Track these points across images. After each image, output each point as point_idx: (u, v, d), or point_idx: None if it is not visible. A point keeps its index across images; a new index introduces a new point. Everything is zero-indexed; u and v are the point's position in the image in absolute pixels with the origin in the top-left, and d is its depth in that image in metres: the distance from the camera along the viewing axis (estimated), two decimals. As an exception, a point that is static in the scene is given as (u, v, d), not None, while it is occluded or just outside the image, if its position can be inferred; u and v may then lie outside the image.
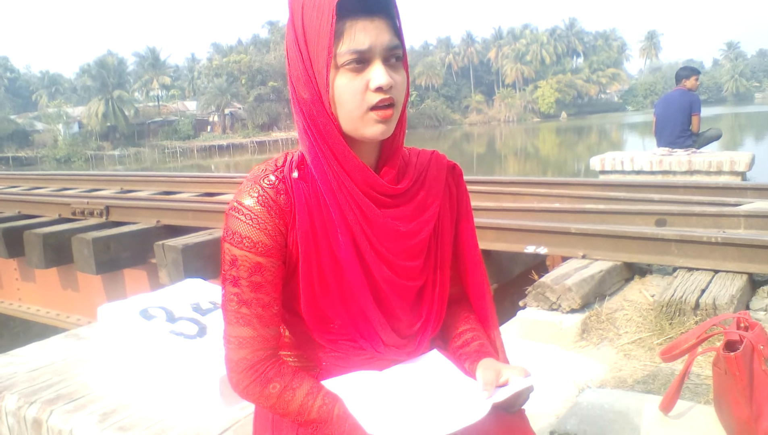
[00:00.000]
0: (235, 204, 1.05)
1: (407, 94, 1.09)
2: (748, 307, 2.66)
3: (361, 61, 1.00)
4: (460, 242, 1.26)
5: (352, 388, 1.11)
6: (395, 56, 1.03)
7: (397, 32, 1.04)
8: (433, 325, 1.22)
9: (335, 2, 0.96)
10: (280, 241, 1.06)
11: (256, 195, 1.05)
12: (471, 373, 1.16)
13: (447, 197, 1.22)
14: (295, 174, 1.08)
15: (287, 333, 1.20)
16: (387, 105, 1.02)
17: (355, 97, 1.01)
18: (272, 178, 1.07)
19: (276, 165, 1.10)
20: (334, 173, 1.06)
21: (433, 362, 1.21)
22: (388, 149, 1.12)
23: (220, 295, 1.10)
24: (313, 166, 1.07)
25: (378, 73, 1.00)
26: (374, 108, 1.01)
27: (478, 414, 1.02)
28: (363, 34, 0.99)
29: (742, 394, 1.42)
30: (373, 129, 1.03)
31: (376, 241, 1.10)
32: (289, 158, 1.11)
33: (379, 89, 1.00)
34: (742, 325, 1.53)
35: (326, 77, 1.00)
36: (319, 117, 1.04)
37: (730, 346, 1.50)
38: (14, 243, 4.96)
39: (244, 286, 1.06)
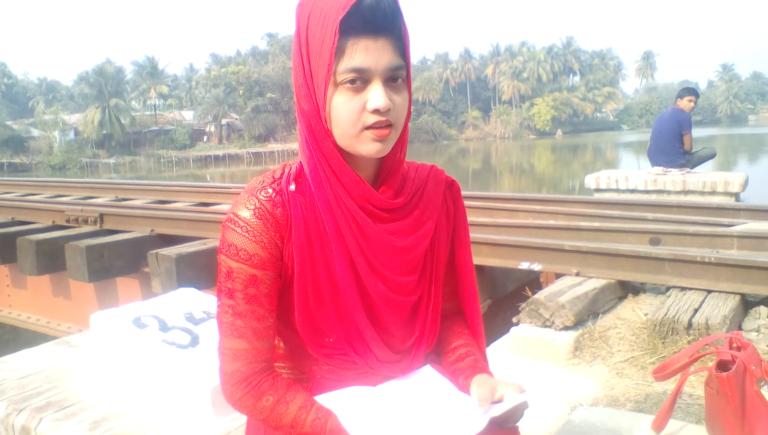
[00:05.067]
0: (232, 216, 1.05)
1: (409, 113, 1.08)
2: (740, 328, 2.67)
3: (361, 80, 0.99)
4: (456, 258, 1.26)
5: (346, 403, 1.11)
6: (397, 77, 1.02)
7: (402, 52, 1.03)
8: (427, 340, 1.22)
9: (339, 19, 0.95)
10: (275, 254, 1.06)
11: (252, 207, 1.04)
12: (465, 389, 1.16)
13: (444, 213, 1.22)
14: (293, 187, 1.08)
15: (282, 345, 1.20)
16: (384, 125, 1.01)
17: (351, 117, 1.00)
18: (269, 190, 1.06)
19: (273, 177, 1.09)
20: (331, 186, 1.06)
21: (427, 378, 1.20)
22: (388, 167, 1.12)
23: (216, 306, 1.10)
24: (311, 178, 1.07)
25: (376, 95, 0.99)
26: (370, 127, 1.01)
27: (473, 429, 1.02)
28: (364, 54, 0.98)
29: (734, 414, 1.42)
30: (368, 147, 1.02)
31: (371, 256, 1.10)
32: (286, 170, 1.10)
33: (376, 111, 1.00)
34: (734, 345, 1.53)
35: (324, 93, 1.00)
36: (316, 130, 1.04)
37: (723, 366, 1.50)
38: (7, 249, 4.93)
39: (239, 299, 1.06)
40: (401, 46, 1.02)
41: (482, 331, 1.30)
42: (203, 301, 2.06)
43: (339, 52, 0.98)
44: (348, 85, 0.99)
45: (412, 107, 1.10)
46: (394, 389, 1.17)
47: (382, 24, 0.99)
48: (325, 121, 1.03)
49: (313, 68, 1.01)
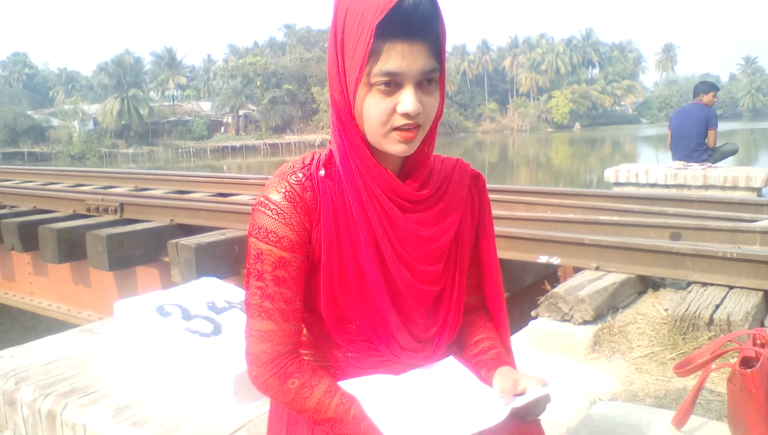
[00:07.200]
0: (262, 199, 1.07)
1: (440, 112, 1.09)
2: (762, 324, 2.64)
3: (393, 83, 1.00)
4: (481, 251, 1.27)
5: (369, 390, 1.12)
6: (430, 79, 1.02)
7: (438, 54, 1.02)
8: (449, 330, 1.23)
9: (375, 23, 0.95)
10: (304, 237, 1.08)
11: (283, 190, 1.06)
12: (487, 381, 1.16)
13: (469, 205, 1.23)
14: (322, 172, 1.10)
15: (306, 331, 1.21)
16: (411, 128, 1.02)
17: (380, 117, 1.01)
18: (299, 175, 1.08)
19: (303, 163, 1.11)
20: (360, 175, 1.07)
21: (450, 369, 1.21)
22: (415, 159, 1.13)
23: (244, 289, 1.12)
24: (341, 165, 1.09)
25: (407, 99, 1.00)
26: (397, 129, 1.02)
27: (495, 418, 1.02)
28: (399, 58, 0.98)
29: (758, 411, 1.41)
30: (395, 147, 1.04)
31: (397, 244, 1.11)
32: (316, 157, 1.12)
33: (405, 114, 1.01)
34: (758, 341, 1.52)
35: (355, 90, 1.01)
36: (347, 124, 1.05)
37: (746, 362, 1.48)
38: (29, 237, 5.00)
39: (268, 280, 1.07)
40: (437, 48, 1.02)
41: (507, 325, 1.31)
42: (225, 291, 2.08)
43: (374, 54, 0.98)
44: (381, 87, 1.00)
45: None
46: (417, 378, 1.18)
47: (419, 29, 0.98)
48: (356, 118, 1.04)
49: (347, 65, 1.01)
